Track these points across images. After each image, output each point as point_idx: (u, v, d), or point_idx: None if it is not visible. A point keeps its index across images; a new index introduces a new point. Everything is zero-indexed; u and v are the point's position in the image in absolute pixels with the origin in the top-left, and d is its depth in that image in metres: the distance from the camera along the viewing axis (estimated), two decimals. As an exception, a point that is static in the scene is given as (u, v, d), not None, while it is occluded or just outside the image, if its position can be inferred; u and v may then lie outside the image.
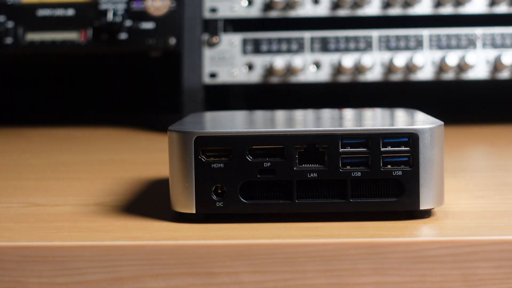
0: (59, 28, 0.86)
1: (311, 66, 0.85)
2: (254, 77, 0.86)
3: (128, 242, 0.42)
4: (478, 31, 0.85)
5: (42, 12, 0.86)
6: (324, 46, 0.85)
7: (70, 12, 0.86)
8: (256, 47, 0.85)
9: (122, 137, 0.87)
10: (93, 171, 0.67)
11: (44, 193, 0.57)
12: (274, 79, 0.86)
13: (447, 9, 0.85)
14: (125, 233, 0.44)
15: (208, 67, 0.85)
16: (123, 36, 0.86)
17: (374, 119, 0.53)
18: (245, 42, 0.85)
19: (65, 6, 0.86)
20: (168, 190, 0.46)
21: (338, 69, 0.85)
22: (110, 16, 0.85)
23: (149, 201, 0.53)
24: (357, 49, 0.85)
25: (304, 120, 0.52)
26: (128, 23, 0.85)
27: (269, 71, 0.85)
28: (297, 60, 0.84)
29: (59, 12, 0.86)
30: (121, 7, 0.85)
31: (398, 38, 0.85)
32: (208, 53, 0.86)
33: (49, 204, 0.52)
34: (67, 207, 0.51)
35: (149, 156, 0.74)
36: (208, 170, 0.45)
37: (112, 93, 1.10)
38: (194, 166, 0.45)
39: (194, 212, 0.45)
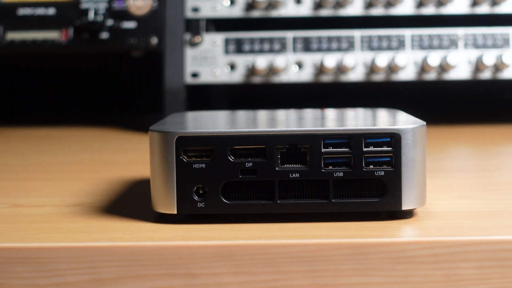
0: (40, 28, 0.85)
1: (293, 66, 0.85)
2: (236, 77, 0.85)
3: (108, 243, 0.42)
4: (460, 31, 0.85)
5: (22, 11, 0.86)
6: (307, 46, 0.85)
7: (51, 11, 0.86)
8: (238, 47, 0.85)
9: (103, 137, 0.87)
10: (74, 171, 0.66)
11: (25, 193, 0.56)
12: (256, 79, 0.85)
13: (429, 10, 0.85)
14: (106, 234, 0.44)
15: (190, 67, 0.85)
16: (104, 35, 0.85)
17: (356, 119, 0.53)
18: (227, 41, 0.85)
19: (46, 5, 0.86)
20: (149, 191, 0.46)
21: (320, 69, 0.85)
22: (91, 15, 0.84)
23: (130, 202, 0.53)
24: (339, 49, 0.85)
25: (286, 120, 0.52)
26: (110, 22, 0.85)
27: (251, 71, 0.85)
28: (279, 60, 0.84)
29: (40, 11, 0.86)
30: (102, 6, 0.85)
31: (380, 38, 0.85)
32: (190, 53, 0.85)
33: (29, 205, 0.52)
34: (48, 208, 0.51)
35: (130, 156, 0.74)
36: (189, 171, 0.45)
37: (94, 93, 1.09)
38: (175, 167, 0.45)
39: (175, 212, 0.45)
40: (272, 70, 0.85)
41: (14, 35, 0.86)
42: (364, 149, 0.45)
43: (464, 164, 0.70)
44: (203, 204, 0.45)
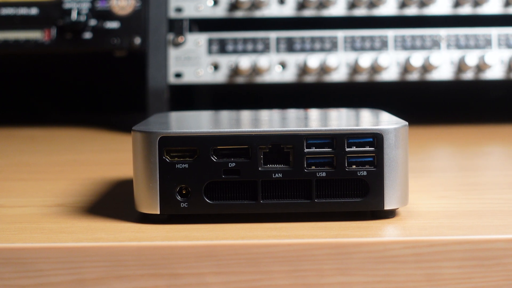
0: (23, 27, 0.85)
1: (276, 66, 0.85)
2: (220, 77, 0.85)
3: (91, 244, 0.42)
4: (443, 32, 0.86)
5: (5, 11, 0.85)
6: (290, 46, 0.85)
7: (34, 11, 0.85)
8: (222, 47, 0.85)
9: (86, 137, 0.86)
10: (56, 171, 0.66)
11: (6, 194, 0.56)
12: (240, 79, 0.85)
13: (411, 10, 0.86)
14: (88, 234, 0.44)
15: (173, 67, 0.85)
16: (87, 35, 0.85)
17: (339, 119, 0.53)
18: (210, 42, 0.85)
19: (28, 5, 0.85)
20: (132, 191, 0.46)
21: (303, 70, 0.85)
22: (74, 15, 0.84)
23: (113, 202, 0.52)
24: (322, 50, 0.85)
25: (269, 120, 0.52)
26: (93, 22, 0.85)
27: (235, 71, 0.85)
28: (263, 60, 0.84)
29: (23, 11, 0.85)
30: (85, 6, 0.85)
31: (363, 38, 0.85)
32: (173, 53, 0.85)
33: (11, 205, 0.52)
34: (30, 208, 0.51)
35: (113, 156, 0.73)
36: (172, 171, 0.44)
37: (76, 93, 1.09)
38: (158, 167, 0.45)
39: (158, 212, 0.45)
40: (255, 70, 0.85)
41: (-4, 35, 0.85)
42: (347, 149, 0.45)
43: (446, 164, 0.70)
44: (186, 204, 0.45)
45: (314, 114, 0.55)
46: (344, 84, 0.86)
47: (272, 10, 0.86)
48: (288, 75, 0.85)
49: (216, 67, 0.85)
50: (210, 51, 0.85)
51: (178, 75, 0.85)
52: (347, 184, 0.45)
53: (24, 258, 0.42)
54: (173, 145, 0.45)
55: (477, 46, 0.85)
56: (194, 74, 0.85)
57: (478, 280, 0.42)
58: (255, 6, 0.85)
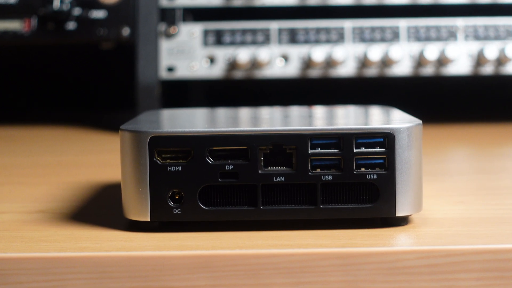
0: (0, 17, 0.85)
1: (278, 60, 0.85)
2: (216, 71, 0.85)
3: (75, 254, 0.42)
4: (460, 22, 0.86)
5: (-19, -1, 0.85)
6: (293, 37, 0.85)
7: (13, -1, 0.85)
8: (218, 39, 0.85)
9: (69, 137, 0.86)
10: (37, 175, 0.66)
11: (-17, 199, 0.56)
12: (238, 74, 0.85)
13: (425, -2, 0.86)
14: (72, 244, 0.44)
15: (165, 60, 0.85)
16: (71, 25, 0.85)
17: (347, 117, 0.53)
18: (206, 33, 0.85)
19: (6, -8, 0.85)
20: (120, 196, 0.46)
21: (307, 63, 0.85)
22: (56, 3, 0.84)
23: (99, 208, 0.52)
24: (328, 41, 0.85)
25: (270, 119, 0.52)
26: (77, 11, 0.85)
27: (232, 65, 0.85)
28: (263, 53, 0.84)
29: (0, -1, 0.85)
30: (69, -7, 0.85)
31: (373, 29, 0.85)
32: (165, 45, 0.85)
33: (-13, 212, 0.52)
34: (8, 215, 0.51)
35: (99, 158, 0.74)
36: (164, 174, 0.45)
37: (59, 89, 1.09)
38: (148, 169, 0.45)
39: (148, 220, 0.45)
40: (255, 64, 0.85)
41: (-28, 25, 0.85)
42: (355, 150, 0.45)
43: (464, 167, 0.70)
44: (179, 211, 0.45)
45: (319, 111, 0.55)
46: (352, 79, 0.86)
47: (273, -2, 0.86)
48: (291, 69, 0.85)
49: (212, 60, 0.85)
50: (205, 43, 0.85)
51: (170, 69, 0.85)
52: (355, 189, 0.45)
53: (2, 270, 0.42)
54: (165, 145, 0.45)
55: (497, 38, 0.85)
56: (188, 68, 0.85)
57: (499, 293, 0.42)
58: (254, -7, 0.85)
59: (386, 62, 0.85)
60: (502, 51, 0.84)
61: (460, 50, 0.85)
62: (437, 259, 0.42)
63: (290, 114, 0.54)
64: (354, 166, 0.45)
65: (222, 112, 0.57)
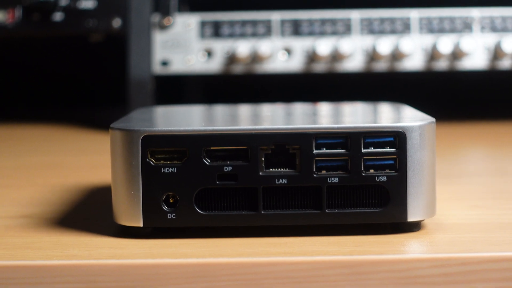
0: (-18, 7, 0.85)
1: (280, 53, 0.85)
2: (214, 65, 0.85)
3: (62, 262, 0.42)
4: (475, 12, 0.85)
5: (-40, -12, 0.85)
6: (296, 29, 0.85)
7: (-5, -12, 0.85)
8: (216, 31, 0.85)
9: (56, 136, 0.86)
10: (21, 177, 0.66)
11: (-38, 203, 0.56)
12: (237, 68, 0.85)
13: (439, -13, 0.86)
14: (59, 251, 0.44)
15: (159, 54, 0.85)
16: (58, 16, 0.85)
17: (354, 115, 0.53)
18: (203, 24, 0.85)
19: (-11, -20, 0.85)
20: (111, 200, 0.46)
21: (312, 57, 0.85)
22: (42, -8, 0.84)
23: (87, 213, 0.52)
24: (334, 33, 0.85)
25: (271, 117, 0.52)
26: (64, 1, 0.85)
27: (231, 58, 0.85)
28: (264, 46, 0.84)
29: (-18, -12, 0.85)
30: (56, -18, 0.85)
31: (382, 20, 0.85)
32: (159, 37, 0.85)
33: (-32, 217, 0.52)
34: (-10, 220, 0.51)
35: (88, 158, 0.74)
36: (157, 176, 0.44)
37: (45, 84, 1.09)
38: (141, 171, 0.45)
39: (141, 225, 0.45)
40: (255, 57, 0.85)
41: (-48, 16, 0.85)
42: (363, 151, 0.45)
43: (480, 168, 0.70)
44: (173, 215, 0.45)
45: (324, 109, 0.55)
46: (360, 74, 0.86)
47: (275, -13, 0.86)
48: (294, 64, 0.85)
49: (209, 54, 0.85)
50: (202, 35, 0.85)
51: (164, 63, 0.85)
52: (363, 192, 0.45)
53: (-17, 279, 0.42)
54: (159, 145, 0.44)
55: (515, 29, 0.85)
56: (183, 62, 0.85)
57: (518, 304, 0.42)
58: (255, -18, 0.85)
59: (396, 55, 0.85)
60: (521, 44, 0.84)
61: (476, 42, 0.85)
62: (452, 267, 0.42)
63: (293, 112, 0.54)
64: (362, 167, 0.45)
65: (220, 110, 0.57)
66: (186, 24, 0.85)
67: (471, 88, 1.04)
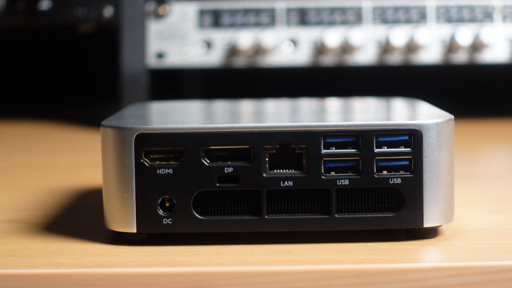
0: (-37, -5, 0.85)
1: (285, 45, 0.85)
2: (213, 58, 0.85)
3: (49, 270, 0.42)
4: (497, 1, 0.85)
5: None
6: (303, 18, 0.85)
7: (-23, -27, 0.85)
8: (216, 20, 0.85)
9: (43, 134, 0.87)
10: (5, 178, 0.66)
11: None
12: (239, 61, 0.85)
13: (457, -27, 0.86)
14: (46, 259, 0.44)
15: (154, 45, 0.85)
16: (45, 5, 0.85)
17: (366, 111, 0.53)
18: (201, 13, 0.85)
19: (-30, -34, 0.85)
20: (102, 203, 0.46)
21: (320, 49, 0.85)
22: (28, -21, 0.84)
23: (77, 218, 0.52)
24: (344, 23, 0.85)
25: (276, 113, 0.52)
26: (52, -12, 0.85)
27: (232, 50, 0.85)
28: (268, 37, 0.84)
29: (-38, -27, 0.85)
30: (42, -33, 0.85)
31: (396, 9, 0.85)
32: (154, 27, 0.85)
33: None
34: (-29, 225, 0.51)
35: (77, 158, 0.74)
36: (152, 177, 0.45)
37: (31, 78, 1.09)
38: (134, 172, 0.45)
39: (135, 231, 0.45)
40: (258, 49, 0.85)
41: None
42: (376, 150, 0.45)
43: (502, 169, 0.70)
44: (170, 221, 0.45)
45: (333, 105, 0.55)
46: (372, 67, 0.86)
47: (280, -28, 0.86)
48: (300, 56, 0.85)
49: (208, 45, 0.86)
50: (201, 25, 0.85)
51: (160, 55, 0.85)
52: (376, 195, 0.45)
53: (-37, 289, 0.42)
54: (154, 144, 0.45)
55: (540, 19, 0.85)
56: (180, 54, 0.85)
57: (543, 317, 0.42)
58: (258, -33, 0.85)
59: (411, 47, 0.85)
60: (546, 35, 0.84)
61: (498, 33, 0.85)
62: (471, 277, 0.42)
63: (300, 108, 0.54)
64: (375, 168, 0.45)
65: (220, 106, 0.57)
66: (183, 13, 0.85)
67: (492, 83, 1.04)
